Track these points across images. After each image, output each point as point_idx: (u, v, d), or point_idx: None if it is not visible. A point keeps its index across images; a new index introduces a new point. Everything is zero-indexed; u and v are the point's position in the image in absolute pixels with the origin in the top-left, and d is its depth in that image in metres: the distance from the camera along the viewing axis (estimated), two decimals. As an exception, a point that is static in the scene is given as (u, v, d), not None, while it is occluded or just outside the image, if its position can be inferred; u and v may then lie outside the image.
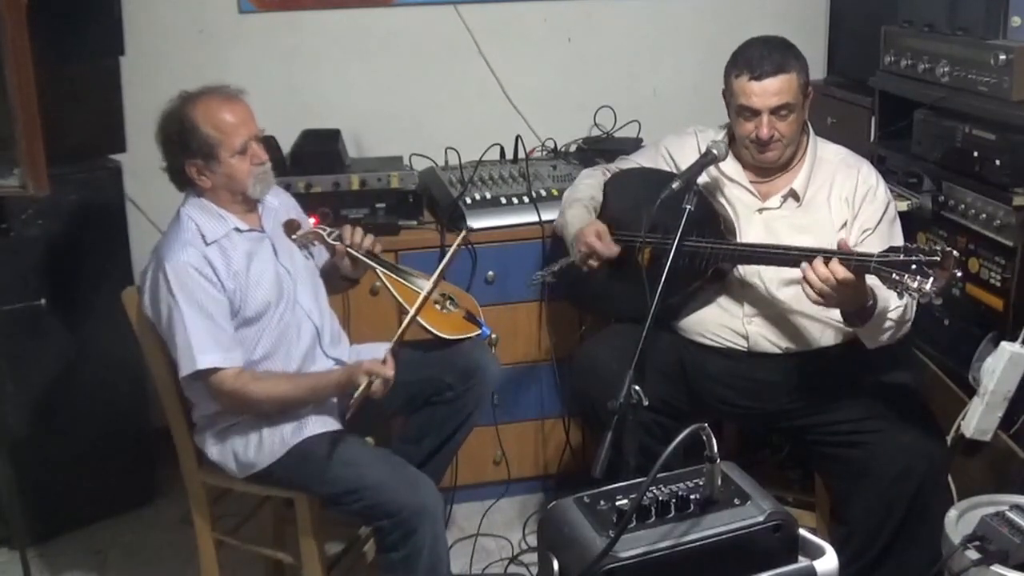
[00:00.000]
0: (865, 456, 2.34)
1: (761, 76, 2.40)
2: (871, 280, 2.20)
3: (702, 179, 2.46)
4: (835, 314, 2.38)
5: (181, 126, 2.32)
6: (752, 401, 2.51)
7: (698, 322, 2.54)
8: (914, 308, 2.39)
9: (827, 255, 2.20)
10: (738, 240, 2.49)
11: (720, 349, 2.52)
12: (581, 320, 3.08)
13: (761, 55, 2.43)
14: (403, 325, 2.37)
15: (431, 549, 2.28)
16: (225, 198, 2.39)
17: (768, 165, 2.51)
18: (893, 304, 2.30)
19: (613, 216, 2.64)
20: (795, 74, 2.42)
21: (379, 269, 2.52)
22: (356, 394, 2.21)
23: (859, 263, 2.15)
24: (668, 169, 2.65)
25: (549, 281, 2.74)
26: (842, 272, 2.13)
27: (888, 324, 2.33)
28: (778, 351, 2.48)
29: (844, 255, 2.20)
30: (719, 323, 2.52)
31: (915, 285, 2.02)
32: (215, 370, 2.27)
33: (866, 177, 2.51)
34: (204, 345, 2.26)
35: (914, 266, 2.04)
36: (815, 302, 2.20)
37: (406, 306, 2.46)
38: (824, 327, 2.46)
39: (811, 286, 2.16)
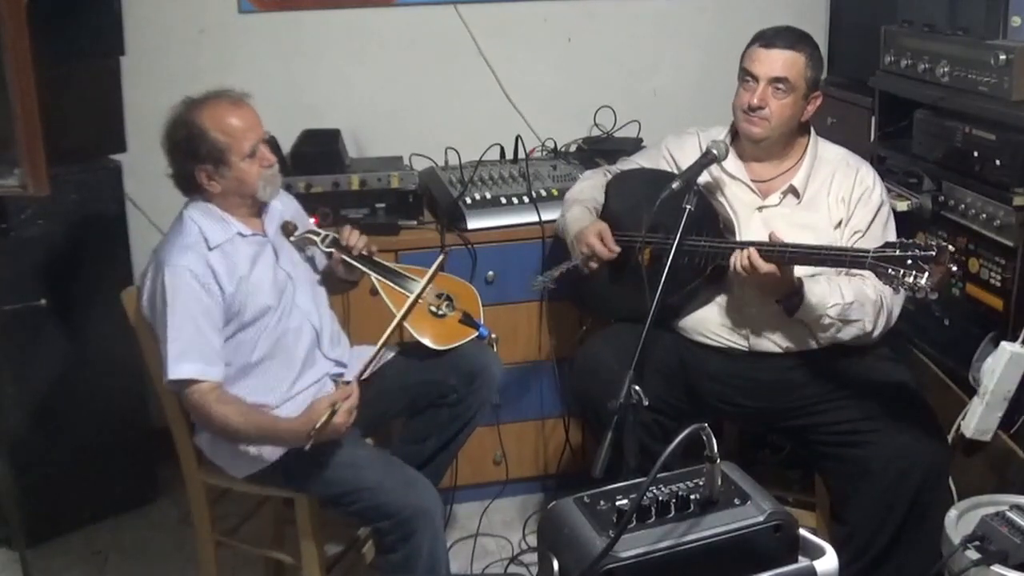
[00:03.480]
0: (865, 456, 2.34)
1: (770, 45, 2.47)
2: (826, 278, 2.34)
3: (703, 177, 2.47)
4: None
5: (189, 132, 2.31)
6: (752, 401, 2.52)
7: (698, 322, 2.55)
8: (884, 316, 2.39)
9: (816, 252, 2.24)
10: (738, 238, 2.49)
11: (720, 348, 2.52)
12: (581, 320, 3.08)
13: (779, 31, 2.49)
14: (379, 343, 2.39)
15: (430, 550, 2.28)
16: (233, 202, 2.39)
17: (753, 141, 2.52)
18: (831, 301, 2.33)
19: (614, 217, 2.64)
20: (804, 58, 2.45)
21: (373, 275, 2.52)
22: (318, 424, 2.16)
23: (854, 258, 2.18)
24: (669, 169, 2.66)
25: (551, 287, 2.74)
26: (764, 267, 2.26)
27: (828, 321, 2.35)
28: (778, 350, 2.48)
29: (841, 251, 2.22)
30: (719, 323, 2.52)
31: (910, 280, 2.04)
32: (189, 381, 2.25)
33: (863, 178, 2.52)
34: (183, 355, 2.24)
35: (909, 261, 2.05)
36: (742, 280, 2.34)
37: (395, 312, 2.46)
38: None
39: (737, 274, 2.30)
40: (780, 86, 2.44)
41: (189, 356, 2.25)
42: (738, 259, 2.31)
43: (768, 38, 2.48)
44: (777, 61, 2.45)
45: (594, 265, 2.57)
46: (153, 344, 2.39)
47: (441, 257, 2.66)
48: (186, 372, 2.24)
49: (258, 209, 2.45)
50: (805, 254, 2.25)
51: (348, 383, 2.32)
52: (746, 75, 2.49)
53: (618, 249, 2.55)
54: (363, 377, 2.34)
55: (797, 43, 2.46)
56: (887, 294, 2.38)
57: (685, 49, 3.64)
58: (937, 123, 2.77)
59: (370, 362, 2.38)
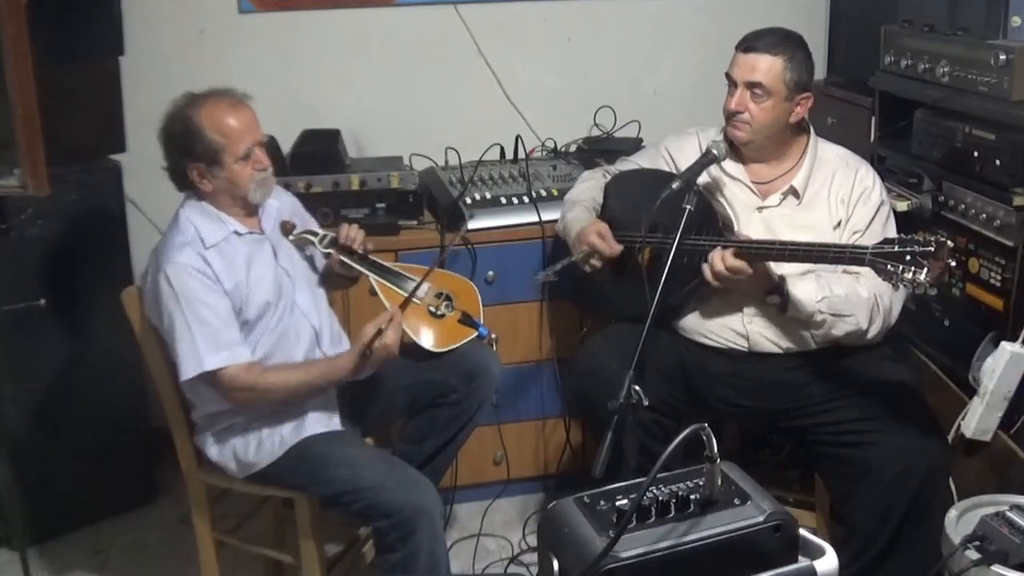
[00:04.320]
0: (865, 456, 2.34)
1: (748, 49, 2.47)
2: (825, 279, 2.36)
3: (703, 178, 2.47)
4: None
5: (186, 129, 2.31)
6: (753, 401, 2.52)
7: (699, 322, 2.55)
8: (880, 316, 2.39)
9: (816, 249, 2.24)
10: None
11: (721, 349, 2.52)
12: (582, 321, 3.08)
13: (760, 34, 2.49)
14: (408, 296, 2.43)
15: (430, 550, 2.28)
16: (225, 202, 2.39)
17: (739, 145, 2.53)
18: (819, 296, 2.34)
19: (614, 217, 2.64)
20: (782, 61, 2.43)
21: (371, 276, 2.52)
22: (367, 341, 2.25)
23: (853, 254, 2.18)
24: (668, 170, 2.66)
25: (551, 280, 2.74)
26: (731, 261, 2.29)
27: (820, 317, 2.35)
28: (779, 351, 2.48)
29: (840, 248, 2.23)
30: (720, 323, 2.52)
31: (909, 276, 2.03)
32: (224, 369, 2.27)
33: (863, 178, 2.52)
34: (209, 345, 2.25)
35: (908, 257, 2.05)
36: (715, 289, 2.38)
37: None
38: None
39: (708, 277, 2.33)
40: (757, 91, 2.44)
41: (213, 347, 2.25)
42: (711, 265, 2.33)
43: (748, 42, 2.48)
44: (752, 66, 2.44)
45: (596, 263, 2.57)
46: (154, 344, 2.39)
47: (455, 238, 2.78)
48: (215, 362, 2.25)
49: (253, 208, 2.45)
50: (804, 251, 2.25)
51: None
52: (728, 79, 2.51)
53: (619, 247, 2.55)
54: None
55: (776, 47, 2.44)
56: (883, 293, 2.38)
57: (685, 49, 3.64)
58: (937, 123, 2.77)
59: (410, 295, 2.44)
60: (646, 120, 3.52)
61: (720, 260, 2.30)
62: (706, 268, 2.35)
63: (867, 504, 2.34)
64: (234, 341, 2.29)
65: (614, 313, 2.73)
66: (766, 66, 2.43)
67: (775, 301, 2.40)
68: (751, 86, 2.44)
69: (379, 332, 2.25)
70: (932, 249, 2.03)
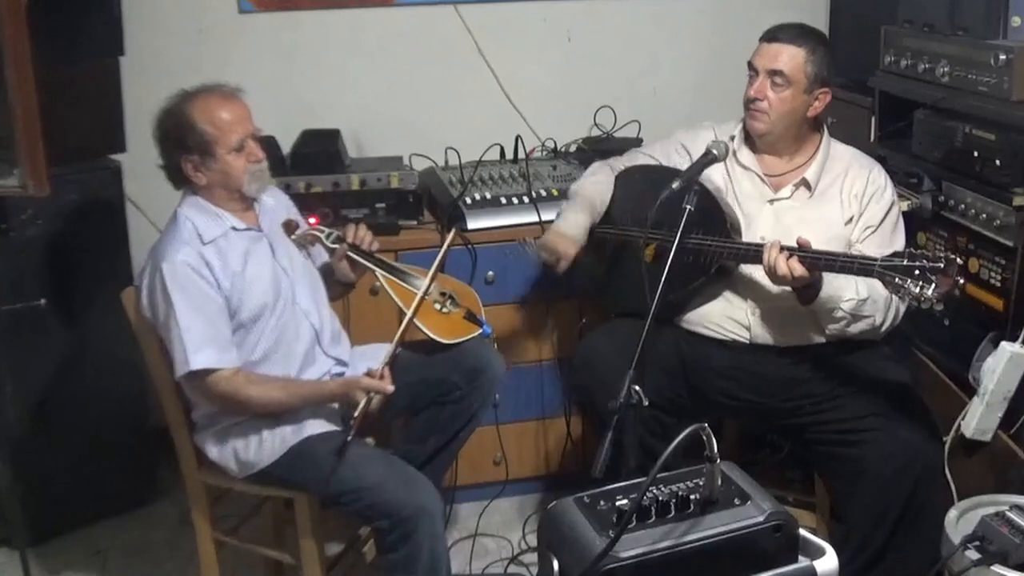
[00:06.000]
0: (861, 455, 2.34)
1: (772, 39, 2.50)
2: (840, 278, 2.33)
3: (717, 169, 2.47)
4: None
5: (178, 122, 2.33)
6: (753, 395, 2.52)
7: (701, 314, 2.55)
8: (892, 312, 2.41)
9: (824, 257, 2.23)
10: (745, 232, 2.49)
11: (723, 341, 2.53)
12: (581, 312, 3.07)
13: (785, 26, 2.52)
14: (399, 333, 2.41)
15: (430, 549, 2.28)
16: (221, 196, 2.39)
17: (756, 136, 2.54)
18: (846, 296, 2.34)
19: (618, 213, 2.65)
20: (804, 52, 2.46)
21: (378, 272, 2.52)
22: (356, 412, 2.26)
23: (861, 265, 2.17)
24: (682, 162, 2.65)
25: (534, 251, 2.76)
26: (799, 270, 2.24)
27: (840, 314, 2.36)
28: (780, 344, 2.49)
29: (848, 258, 2.23)
30: (722, 314, 2.52)
31: (916, 290, 2.04)
32: (210, 371, 2.27)
33: (876, 177, 2.53)
34: (199, 345, 2.25)
35: (917, 271, 2.05)
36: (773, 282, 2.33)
37: (404, 309, 2.47)
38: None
39: (769, 275, 2.29)
40: (777, 79, 2.46)
41: (204, 346, 2.26)
42: (772, 262, 2.26)
43: (771, 32, 2.52)
44: (775, 54, 2.47)
45: (563, 265, 2.61)
46: (153, 344, 2.39)
47: (452, 234, 2.72)
48: (204, 362, 2.25)
49: (249, 203, 2.45)
50: (812, 259, 2.25)
51: (369, 372, 2.34)
52: (750, 68, 2.52)
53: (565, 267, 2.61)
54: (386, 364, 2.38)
55: (799, 38, 2.47)
56: None
57: (685, 49, 3.64)
58: (937, 123, 2.77)
59: (393, 355, 2.41)
60: (646, 120, 3.52)
61: (785, 267, 2.24)
62: (770, 264, 2.30)
63: (864, 503, 2.35)
64: (223, 344, 2.29)
65: (615, 305, 2.73)
66: (788, 55, 2.46)
67: (805, 295, 2.34)
68: (772, 74, 2.46)
69: (369, 400, 2.27)
70: (941, 266, 2.03)
